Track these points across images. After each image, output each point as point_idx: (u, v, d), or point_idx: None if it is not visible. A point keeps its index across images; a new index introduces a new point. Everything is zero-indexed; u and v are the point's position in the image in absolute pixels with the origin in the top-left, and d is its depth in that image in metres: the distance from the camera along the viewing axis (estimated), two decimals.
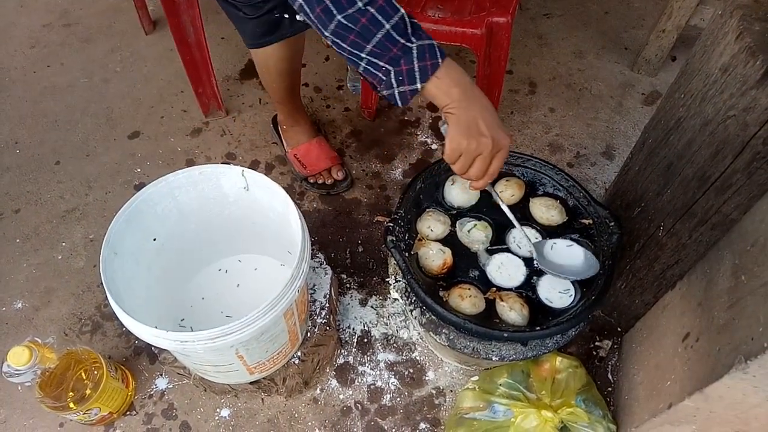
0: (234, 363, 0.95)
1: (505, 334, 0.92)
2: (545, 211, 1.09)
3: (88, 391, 1.08)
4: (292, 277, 0.86)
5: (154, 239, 1.01)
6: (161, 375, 1.24)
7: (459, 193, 1.12)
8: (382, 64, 0.79)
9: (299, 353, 1.12)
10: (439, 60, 0.80)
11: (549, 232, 1.08)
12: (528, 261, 1.05)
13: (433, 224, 1.08)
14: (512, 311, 0.96)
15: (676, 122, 0.96)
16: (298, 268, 0.87)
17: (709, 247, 0.94)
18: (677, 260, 1.03)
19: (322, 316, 1.15)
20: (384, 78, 0.81)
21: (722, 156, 0.85)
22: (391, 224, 1.03)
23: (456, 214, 1.11)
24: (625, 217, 1.11)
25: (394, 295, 1.06)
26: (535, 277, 1.03)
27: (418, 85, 0.80)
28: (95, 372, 1.10)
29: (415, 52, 0.78)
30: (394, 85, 0.81)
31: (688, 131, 0.93)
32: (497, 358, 0.99)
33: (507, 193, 1.11)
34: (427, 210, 1.11)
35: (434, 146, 1.63)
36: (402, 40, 0.78)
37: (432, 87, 0.81)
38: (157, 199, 0.97)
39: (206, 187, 1.01)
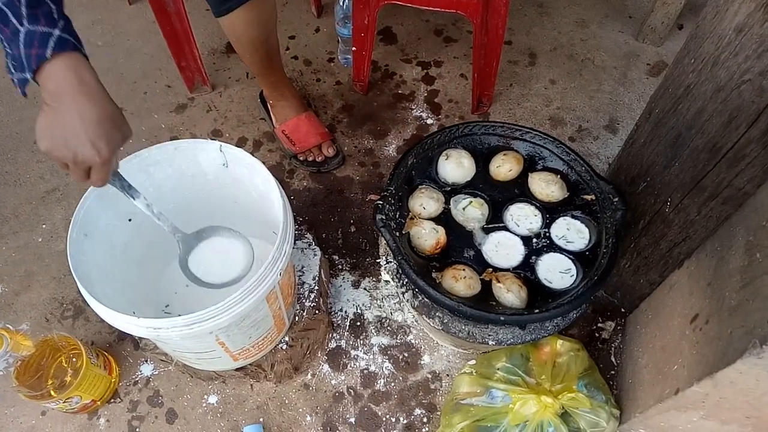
0: (216, 350, 0.90)
1: (502, 318, 0.87)
2: (545, 186, 1.03)
3: (68, 379, 1.04)
4: (272, 259, 0.80)
5: (130, 219, 0.96)
6: (146, 361, 1.19)
7: (453, 168, 1.06)
8: (3, 43, 0.71)
9: (287, 338, 1.07)
10: (48, 52, 0.69)
11: (549, 208, 1.02)
12: (527, 240, 0.99)
13: (425, 202, 1.02)
14: (509, 293, 0.91)
15: (686, 89, 0.90)
16: (279, 249, 0.82)
17: (720, 223, 0.89)
18: (685, 237, 0.97)
19: (311, 299, 1.10)
20: (5, 59, 0.72)
21: (735, 125, 0.80)
22: (381, 202, 0.97)
23: (450, 191, 1.05)
24: (629, 192, 1.05)
25: (385, 277, 1.01)
26: (534, 257, 0.97)
27: (27, 75, 0.71)
28: (74, 359, 1.05)
29: (22, 36, 0.69)
30: (11, 70, 0.73)
31: (699, 99, 0.86)
32: (494, 343, 0.94)
33: (504, 168, 1.05)
34: (420, 187, 1.05)
35: (430, 121, 1.56)
36: (14, 21, 0.69)
37: (39, 79, 0.72)
38: (130, 176, 0.90)
39: (183, 163, 0.94)
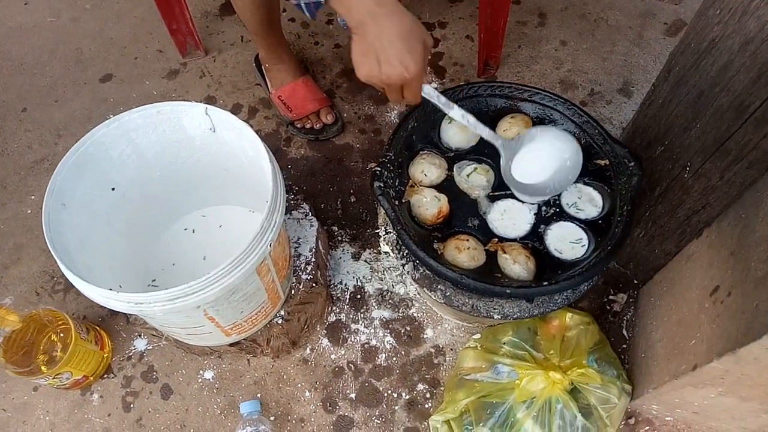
0: (205, 325, 0.86)
1: (508, 290, 0.81)
2: None
3: (58, 354, 1.00)
4: (261, 229, 0.75)
5: (113, 188, 0.90)
6: (140, 336, 1.16)
7: (457, 132, 0.99)
8: None
9: (283, 312, 1.02)
10: None
11: None
12: (535, 208, 0.93)
13: (427, 168, 0.95)
14: (516, 264, 0.85)
15: (710, 43, 0.82)
16: (268, 219, 0.76)
17: (744, 188, 0.83)
18: (705, 204, 0.91)
19: (308, 271, 1.05)
20: None
21: (765, 80, 0.73)
22: (379, 168, 0.91)
23: (453, 157, 0.99)
24: (645, 157, 0.98)
25: (385, 248, 0.95)
26: (542, 226, 0.91)
27: None
28: (62, 334, 1.02)
29: None
30: None
31: (725, 53, 0.79)
32: (499, 317, 0.89)
33: (512, 132, 0.98)
34: (421, 152, 0.98)
35: (434, 85, 1.47)
36: None
37: (334, 2, 0.74)
38: (110, 142, 0.85)
39: (167, 128, 0.89)
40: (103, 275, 0.86)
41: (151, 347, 1.15)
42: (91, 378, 1.10)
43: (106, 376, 1.12)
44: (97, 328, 1.13)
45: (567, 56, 1.54)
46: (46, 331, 1.02)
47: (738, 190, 0.85)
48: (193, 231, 1.09)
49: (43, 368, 1.00)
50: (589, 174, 0.95)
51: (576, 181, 0.95)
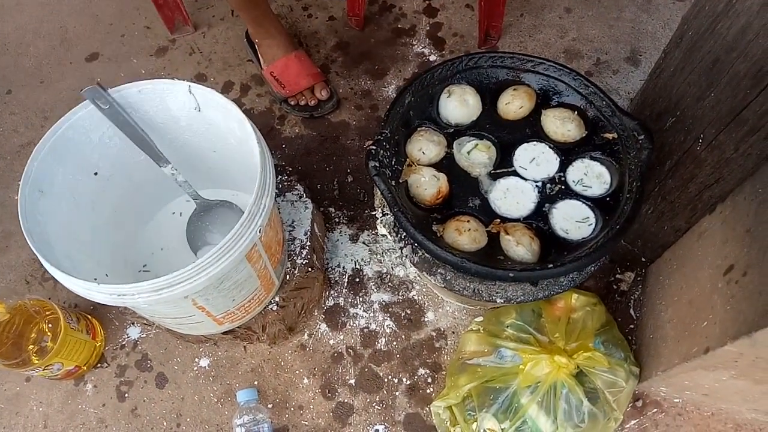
0: (195, 314, 0.82)
1: (511, 274, 0.77)
2: (560, 124, 0.91)
3: (48, 344, 0.97)
4: (249, 214, 0.71)
5: (96, 173, 0.86)
6: (132, 324, 1.13)
7: (457, 107, 0.94)
8: None
9: (278, 298, 0.98)
10: None
11: (565, 149, 0.91)
12: (539, 186, 0.88)
13: (425, 146, 0.91)
14: (520, 246, 0.81)
15: (727, 5, 0.77)
16: (257, 203, 0.72)
17: (762, 161, 0.79)
18: (718, 178, 0.87)
19: (303, 255, 1.01)
20: None
21: None
22: (374, 147, 0.86)
23: (453, 133, 0.94)
24: (655, 129, 0.93)
25: (382, 231, 0.91)
26: (547, 205, 0.87)
27: None
28: (51, 324, 0.99)
29: None
30: None
31: (742, 15, 0.74)
32: (502, 300, 0.85)
33: (515, 105, 0.93)
34: (419, 129, 0.94)
35: (432, 57, 1.43)
36: None
37: None
38: (89, 124, 0.81)
39: (150, 109, 0.84)
40: (88, 265, 0.83)
41: (144, 335, 1.12)
42: (84, 368, 1.07)
43: (99, 365, 1.10)
44: (89, 317, 1.10)
45: (572, 24, 1.47)
46: (34, 322, 0.99)
47: (754, 162, 0.80)
48: (181, 215, 1.04)
49: (34, 359, 0.98)
50: (596, 148, 0.90)
51: (582, 156, 0.90)
